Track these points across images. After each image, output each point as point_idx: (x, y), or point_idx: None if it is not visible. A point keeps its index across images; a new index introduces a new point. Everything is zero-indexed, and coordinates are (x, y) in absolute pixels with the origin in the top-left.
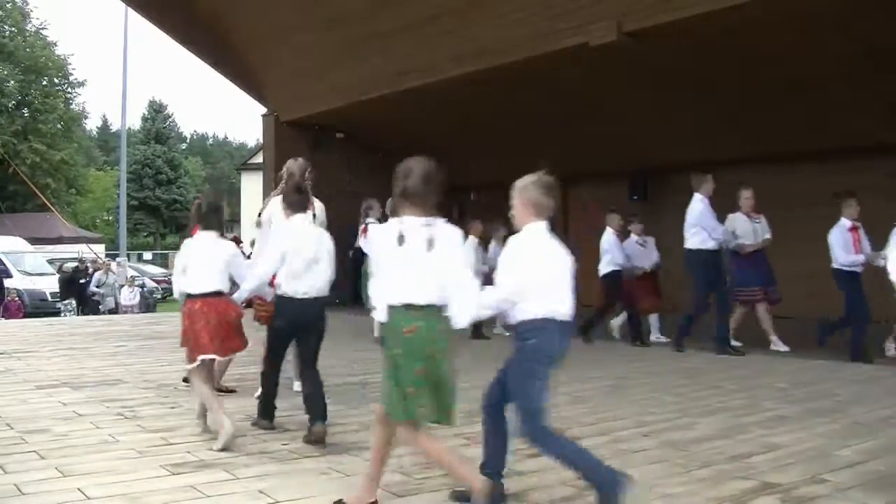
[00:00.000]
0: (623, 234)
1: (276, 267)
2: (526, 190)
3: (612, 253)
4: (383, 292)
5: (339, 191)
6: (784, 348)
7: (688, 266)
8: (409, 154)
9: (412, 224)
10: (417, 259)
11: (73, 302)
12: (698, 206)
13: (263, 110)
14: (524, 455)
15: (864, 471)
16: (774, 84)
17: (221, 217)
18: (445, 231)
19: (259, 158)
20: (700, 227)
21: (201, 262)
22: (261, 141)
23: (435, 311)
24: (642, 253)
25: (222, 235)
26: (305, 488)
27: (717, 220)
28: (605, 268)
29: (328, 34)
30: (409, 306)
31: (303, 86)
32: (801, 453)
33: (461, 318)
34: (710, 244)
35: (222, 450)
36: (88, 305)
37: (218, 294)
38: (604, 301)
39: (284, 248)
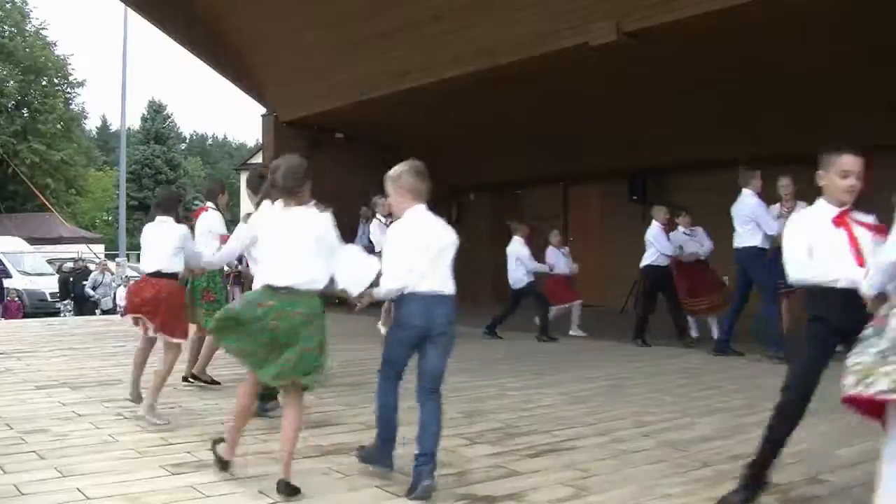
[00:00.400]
0: (670, 228)
1: (239, 247)
2: (400, 178)
3: (657, 244)
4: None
5: (339, 191)
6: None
7: (744, 263)
8: (410, 153)
9: (279, 212)
10: (280, 244)
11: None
12: (751, 200)
13: (263, 110)
14: (524, 455)
15: (863, 471)
16: (774, 84)
17: (176, 204)
18: (315, 218)
19: (258, 159)
20: (756, 224)
21: (149, 245)
22: (260, 141)
23: (290, 294)
24: (691, 242)
25: (178, 221)
26: (305, 488)
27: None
28: (645, 259)
29: (328, 34)
30: (268, 286)
31: (302, 86)
32: (800, 453)
33: (354, 288)
34: (767, 243)
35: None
36: (84, 306)
37: (158, 274)
38: (644, 299)
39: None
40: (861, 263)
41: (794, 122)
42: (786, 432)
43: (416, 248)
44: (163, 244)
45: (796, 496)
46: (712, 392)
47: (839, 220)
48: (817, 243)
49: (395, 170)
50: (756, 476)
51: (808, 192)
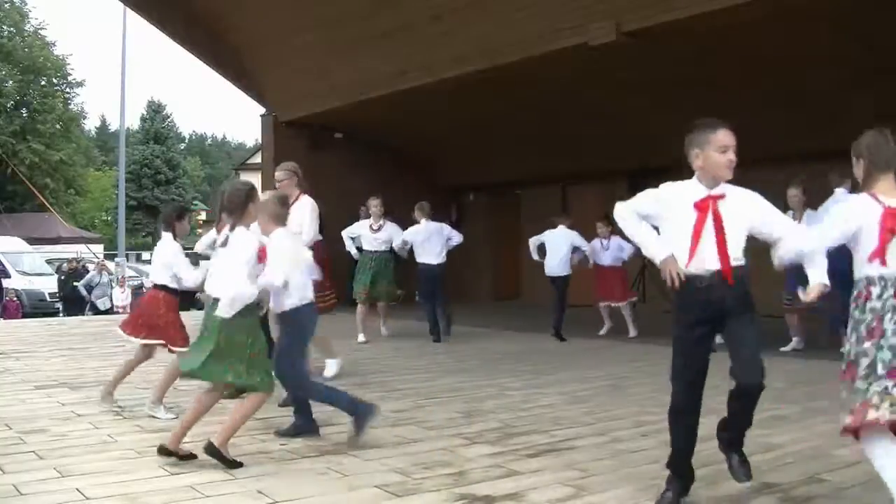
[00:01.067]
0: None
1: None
2: (267, 206)
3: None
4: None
5: (338, 190)
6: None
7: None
8: (409, 153)
9: (224, 233)
10: (215, 261)
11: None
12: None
13: (262, 110)
14: (523, 455)
15: (862, 470)
16: (774, 84)
17: (172, 220)
18: (235, 238)
19: (257, 158)
20: None
21: (153, 259)
22: (259, 141)
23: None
24: None
25: (175, 238)
26: (304, 488)
27: None
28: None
29: (328, 34)
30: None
31: (302, 86)
32: (799, 453)
33: (220, 311)
34: None
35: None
36: (74, 306)
37: (156, 286)
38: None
39: None
40: (694, 250)
41: (794, 121)
42: (680, 430)
43: (301, 263)
44: (156, 258)
45: (796, 496)
46: (711, 392)
47: (701, 205)
48: (671, 221)
49: (262, 199)
50: (673, 476)
51: (808, 190)
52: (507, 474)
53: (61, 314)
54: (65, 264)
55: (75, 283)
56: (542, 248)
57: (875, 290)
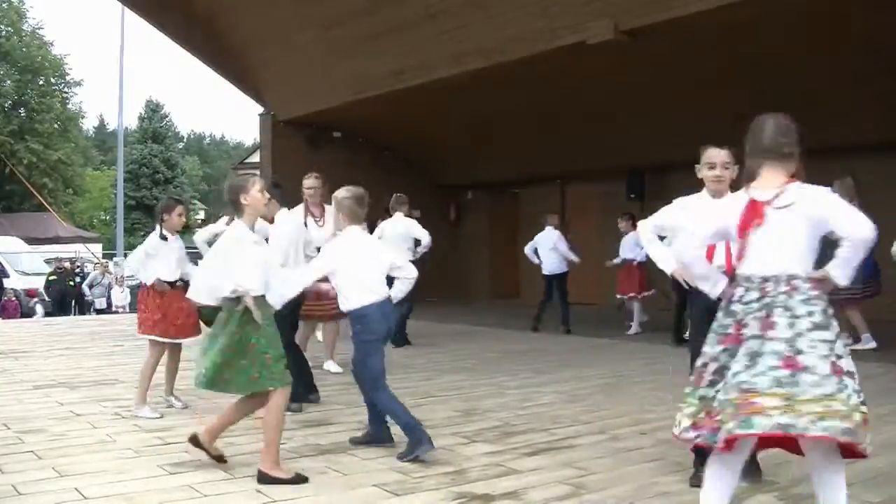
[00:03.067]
0: None
1: None
2: (343, 204)
3: None
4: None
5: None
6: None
7: None
8: (407, 153)
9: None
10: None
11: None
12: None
13: (261, 110)
14: (522, 454)
15: (861, 468)
16: (774, 83)
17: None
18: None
19: (256, 158)
20: None
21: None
22: (258, 140)
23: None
24: None
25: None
26: (303, 488)
27: None
28: None
29: (326, 33)
30: None
31: (300, 85)
32: None
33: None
34: None
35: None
36: (64, 306)
37: None
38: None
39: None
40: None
41: (794, 120)
42: None
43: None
44: None
45: (794, 494)
46: None
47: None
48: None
49: (339, 196)
50: None
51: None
52: (506, 473)
53: (55, 314)
54: (54, 264)
55: (70, 283)
56: (537, 252)
57: (739, 292)
